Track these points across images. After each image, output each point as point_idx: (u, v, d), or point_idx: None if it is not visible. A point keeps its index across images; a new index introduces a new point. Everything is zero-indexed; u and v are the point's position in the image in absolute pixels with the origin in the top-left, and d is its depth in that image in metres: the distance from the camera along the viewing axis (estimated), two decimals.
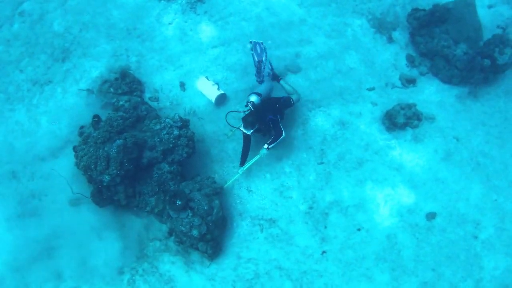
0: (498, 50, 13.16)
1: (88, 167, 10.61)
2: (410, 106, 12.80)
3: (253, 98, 11.56)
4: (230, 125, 11.61)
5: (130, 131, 11.23)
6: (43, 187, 11.60)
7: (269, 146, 11.50)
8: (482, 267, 11.26)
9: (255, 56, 12.35)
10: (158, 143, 11.19)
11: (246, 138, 11.79)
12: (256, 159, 11.71)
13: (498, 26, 14.46)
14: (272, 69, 12.78)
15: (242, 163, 11.81)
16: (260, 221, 11.67)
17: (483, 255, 11.39)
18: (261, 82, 12.71)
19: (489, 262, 11.32)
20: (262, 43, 12.41)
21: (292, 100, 12.25)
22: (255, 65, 12.47)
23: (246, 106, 11.65)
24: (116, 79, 12.64)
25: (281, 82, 12.69)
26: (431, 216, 11.76)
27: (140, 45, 13.66)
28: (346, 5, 14.74)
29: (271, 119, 11.51)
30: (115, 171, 10.53)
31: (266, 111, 11.59)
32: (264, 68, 12.45)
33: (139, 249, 11.21)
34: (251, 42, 12.43)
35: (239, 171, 11.80)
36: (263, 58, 12.33)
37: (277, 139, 11.46)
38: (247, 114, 11.54)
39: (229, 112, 11.70)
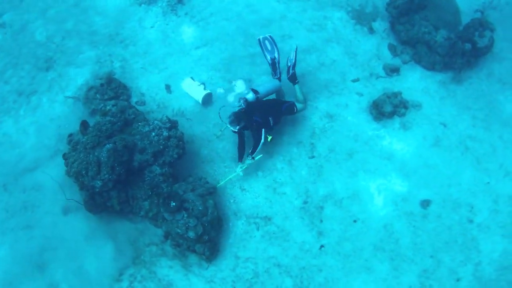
0: (477, 33, 12.32)
1: (79, 173, 9.54)
2: (396, 95, 11.87)
3: (248, 95, 10.59)
4: (221, 120, 10.59)
5: (119, 135, 10.11)
6: (35, 199, 10.54)
7: (253, 156, 10.70)
8: (480, 251, 10.29)
9: (267, 55, 11.59)
10: (148, 145, 10.13)
11: (239, 134, 10.84)
12: (241, 169, 10.82)
13: (476, 10, 13.56)
14: (293, 68, 11.60)
15: (240, 158, 10.85)
16: (255, 219, 10.63)
17: (480, 239, 10.43)
18: (279, 79, 11.62)
19: (487, 245, 10.37)
20: (270, 36, 11.60)
21: (296, 108, 11.19)
22: (269, 64, 11.59)
23: (239, 101, 10.61)
24: (102, 85, 11.57)
25: (296, 86, 11.60)
26: (425, 203, 10.77)
27: (123, 50, 12.71)
28: None
29: (257, 121, 10.51)
30: (107, 175, 9.46)
31: (257, 111, 10.55)
32: (278, 65, 11.56)
33: (135, 256, 10.10)
34: (259, 40, 11.60)
35: (237, 170, 10.79)
36: (276, 55, 11.53)
37: (257, 147, 10.57)
38: (235, 111, 10.53)
39: (222, 107, 10.68)
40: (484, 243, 10.43)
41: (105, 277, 9.89)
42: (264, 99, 11.14)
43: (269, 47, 11.66)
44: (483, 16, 13.06)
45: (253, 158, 10.73)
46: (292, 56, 11.53)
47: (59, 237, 10.15)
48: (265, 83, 11.38)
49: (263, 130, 10.61)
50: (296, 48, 11.60)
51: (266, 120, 10.70)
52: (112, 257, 10.06)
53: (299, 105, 11.37)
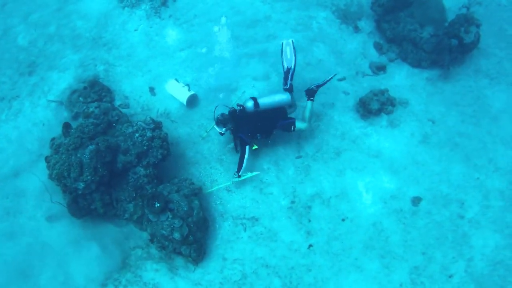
0: (463, 29, 12.04)
1: (61, 175, 9.20)
2: (382, 92, 11.64)
3: (248, 104, 10.24)
4: (214, 117, 10.31)
5: (102, 136, 9.78)
6: (18, 204, 10.19)
7: (239, 174, 10.48)
8: (471, 246, 10.01)
9: (284, 62, 10.90)
10: (132, 146, 9.81)
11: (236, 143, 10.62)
12: (226, 184, 10.77)
13: (461, 6, 13.29)
14: (316, 87, 10.96)
15: (238, 170, 10.44)
16: (242, 220, 10.36)
17: (471, 234, 10.15)
18: (288, 90, 10.86)
19: (478, 241, 10.08)
20: (292, 42, 10.87)
21: (294, 127, 10.59)
22: (283, 71, 10.91)
23: (238, 106, 10.32)
24: (85, 88, 11.32)
25: (309, 102, 10.91)
26: (416, 200, 10.50)
27: (107, 54, 12.48)
28: None
29: (240, 137, 10.28)
30: (89, 177, 9.16)
31: (247, 124, 10.30)
32: (291, 75, 10.83)
33: (121, 259, 9.78)
34: (282, 43, 10.94)
35: (233, 179, 10.56)
36: (292, 65, 10.80)
37: (242, 164, 10.42)
38: (227, 114, 10.29)
39: (219, 105, 10.49)
40: (476, 238, 10.16)
41: (90, 282, 9.52)
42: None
43: (288, 55, 10.96)
44: (468, 12, 12.85)
45: (239, 176, 10.40)
46: (290, 55, 10.92)
47: (43, 243, 9.85)
48: (272, 95, 10.62)
49: (247, 147, 10.30)
50: (293, 44, 10.98)
51: (253, 136, 10.44)
52: (97, 262, 9.72)
53: (300, 124, 10.77)
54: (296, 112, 11.19)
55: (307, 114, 10.84)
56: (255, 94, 11.24)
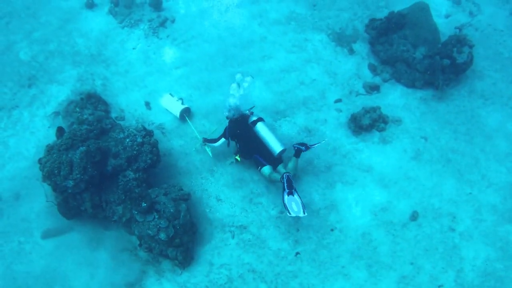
0: (456, 49, 12.49)
1: (51, 172, 9.56)
2: (374, 109, 12.01)
3: (252, 117, 11.04)
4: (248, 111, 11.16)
5: (93, 140, 10.23)
6: (11, 207, 10.66)
7: (204, 141, 11.42)
8: (462, 258, 10.20)
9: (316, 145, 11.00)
10: (122, 150, 10.27)
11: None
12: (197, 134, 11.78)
13: (454, 28, 13.81)
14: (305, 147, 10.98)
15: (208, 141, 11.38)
16: (230, 228, 10.64)
17: (462, 246, 10.35)
18: (297, 151, 10.97)
19: (469, 253, 10.28)
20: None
21: (260, 168, 10.86)
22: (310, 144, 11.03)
23: (249, 111, 11.09)
24: (82, 99, 11.79)
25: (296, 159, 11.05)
26: (415, 214, 10.77)
27: (105, 69, 13.11)
28: (305, 22, 14.33)
29: (224, 128, 11.02)
30: (78, 175, 9.50)
31: (237, 126, 10.88)
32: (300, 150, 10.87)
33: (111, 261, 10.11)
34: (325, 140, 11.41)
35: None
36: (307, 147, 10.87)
37: (211, 142, 11.33)
38: (242, 109, 10.93)
39: (253, 106, 11.40)
40: (467, 250, 10.35)
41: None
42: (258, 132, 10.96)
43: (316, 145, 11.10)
44: (461, 32, 13.31)
45: (203, 142, 11.39)
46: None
47: (33, 243, 10.20)
48: (271, 133, 10.91)
49: (222, 139, 10.99)
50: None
51: (232, 139, 11.05)
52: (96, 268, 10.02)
53: (264, 173, 10.89)
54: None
55: (273, 176, 10.82)
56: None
